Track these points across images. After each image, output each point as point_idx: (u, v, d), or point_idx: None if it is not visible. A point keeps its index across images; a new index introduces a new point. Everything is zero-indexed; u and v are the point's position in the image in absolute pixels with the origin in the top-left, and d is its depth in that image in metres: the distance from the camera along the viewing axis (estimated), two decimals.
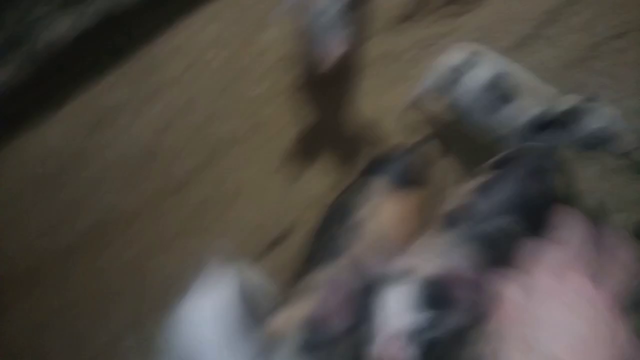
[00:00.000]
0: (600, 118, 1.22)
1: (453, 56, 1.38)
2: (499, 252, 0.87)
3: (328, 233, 1.14)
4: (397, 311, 0.83)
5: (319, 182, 1.60)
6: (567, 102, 1.25)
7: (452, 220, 1.03)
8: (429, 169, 1.27)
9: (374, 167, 1.24)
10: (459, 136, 1.59)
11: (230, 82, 1.72)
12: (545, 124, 1.27)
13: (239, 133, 1.67)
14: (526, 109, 1.28)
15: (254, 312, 1.01)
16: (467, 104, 1.35)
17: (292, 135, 1.65)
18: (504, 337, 0.65)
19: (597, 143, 1.23)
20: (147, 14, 1.84)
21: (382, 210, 1.09)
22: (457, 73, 1.35)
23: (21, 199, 1.64)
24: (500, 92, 1.30)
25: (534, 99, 1.29)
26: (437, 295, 0.84)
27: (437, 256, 0.93)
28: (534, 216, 0.96)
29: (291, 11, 1.28)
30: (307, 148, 1.64)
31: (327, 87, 1.71)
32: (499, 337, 0.65)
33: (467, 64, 1.34)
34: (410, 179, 1.16)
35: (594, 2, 1.79)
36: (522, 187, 1.04)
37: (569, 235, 0.67)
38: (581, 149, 1.28)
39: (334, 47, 1.25)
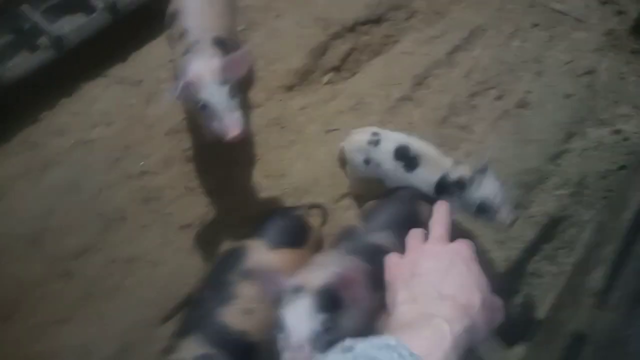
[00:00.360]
0: (484, 189, 1.33)
1: (358, 138, 1.54)
2: (377, 260, 0.96)
3: (218, 280, 1.21)
4: (296, 323, 0.94)
5: (214, 251, 1.61)
6: (458, 171, 1.38)
7: (340, 239, 1.26)
8: (307, 230, 1.34)
9: (254, 230, 1.30)
10: None
11: (117, 158, 1.72)
12: (442, 189, 1.40)
13: (129, 208, 1.65)
14: (427, 175, 1.42)
15: None
16: (382, 172, 1.50)
17: (184, 206, 1.67)
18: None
19: (477, 212, 1.36)
20: (29, 95, 1.82)
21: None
22: (365, 151, 1.51)
23: None
24: (405, 161, 1.45)
25: (433, 167, 1.43)
26: (328, 300, 0.96)
27: (325, 269, 1.05)
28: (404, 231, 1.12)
29: (181, 91, 1.31)
30: (201, 218, 1.66)
31: (217, 156, 1.77)
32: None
33: (372, 142, 1.50)
34: (285, 240, 1.22)
35: (454, 66, 2.06)
36: (396, 210, 1.33)
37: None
38: (471, 215, 1.40)
39: (230, 128, 1.29)
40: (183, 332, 1.14)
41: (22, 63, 1.85)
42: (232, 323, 1.12)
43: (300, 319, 0.94)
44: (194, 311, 1.21)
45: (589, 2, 2.23)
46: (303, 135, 1.87)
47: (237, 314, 1.12)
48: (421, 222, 1.14)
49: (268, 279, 1.03)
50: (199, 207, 1.66)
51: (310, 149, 1.83)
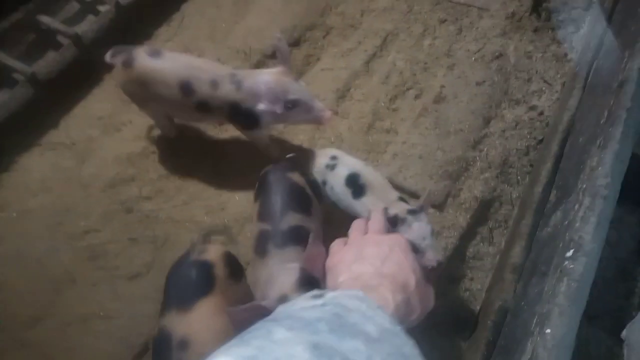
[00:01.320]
0: (413, 231, 1.36)
1: (319, 161, 1.63)
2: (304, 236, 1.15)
3: None
4: None
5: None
6: (395, 208, 1.42)
7: (259, 247, 1.36)
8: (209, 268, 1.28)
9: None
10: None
11: (59, 222, 1.76)
12: None
13: (76, 269, 1.69)
14: (370, 205, 1.49)
15: None
16: (334, 195, 1.59)
17: (130, 257, 1.71)
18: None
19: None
20: None
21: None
22: (323, 174, 1.61)
23: None
24: (354, 188, 1.53)
25: (377, 198, 1.50)
26: (308, 285, 1.09)
27: (281, 273, 1.21)
28: (299, 201, 1.42)
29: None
30: (148, 266, 1.70)
31: (162, 202, 1.83)
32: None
33: (329, 166, 1.59)
34: (193, 295, 1.18)
35: (373, 74, 2.16)
36: (281, 192, 1.42)
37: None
38: None
39: (325, 112, 1.59)
40: None
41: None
42: None
43: None
44: None
45: None
46: (238, 165, 1.92)
47: None
48: (298, 187, 1.46)
49: (245, 312, 1.07)
50: (144, 256, 1.70)
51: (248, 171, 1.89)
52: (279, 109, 1.59)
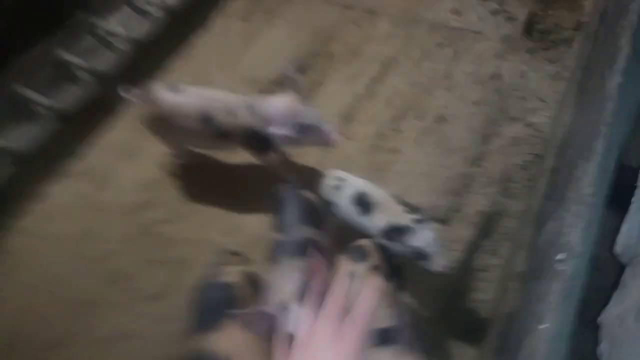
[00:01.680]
0: (420, 239, 1.47)
1: (326, 183, 1.71)
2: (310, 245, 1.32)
3: None
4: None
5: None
6: (402, 219, 1.52)
7: (272, 255, 1.47)
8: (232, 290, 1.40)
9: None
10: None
11: (80, 246, 1.84)
12: (386, 235, 1.54)
13: (98, 292, 1.75)
14: (378, 220, 1.57)
15: None
16: (342, 213, 1.66)
17: (150, 277, 1.78)
18: None
19: (416, 258, 1.50)
20: None
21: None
22: (332, 192, 1.68)
23: None
24: (362, 206, 1.60)
25: (384, 213, 1.58)
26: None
27: (285, 281, 1.30)
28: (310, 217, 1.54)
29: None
30: (167, 285, 1.77)
31: (178, 225, 1.91)
32: None
33: (335, 187, 1.67)
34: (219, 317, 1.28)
35: (375, 97, 2.26)
36: (293, 208, 1.56)
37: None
38: (407, 260, 1.53)
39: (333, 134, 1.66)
40: None
41: None
42: None
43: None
44: None
45: (482, 15, 2.49)
46: (252, 190, 2.01)
47: None
48: (311, 204, 1.59)
49: (255, 319, 1.16)
50: (163, 277, 1.78)
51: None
52: (291, 132, 1.68)
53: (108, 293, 1.75)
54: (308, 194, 1.59)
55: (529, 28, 2.39)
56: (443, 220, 1.86)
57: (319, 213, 1.59)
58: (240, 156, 2.08)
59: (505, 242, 1.83)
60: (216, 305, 1.30)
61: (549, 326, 0.83)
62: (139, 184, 2.00)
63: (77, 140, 2.14)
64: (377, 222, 1.57)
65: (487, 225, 1.87)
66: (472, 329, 1.65)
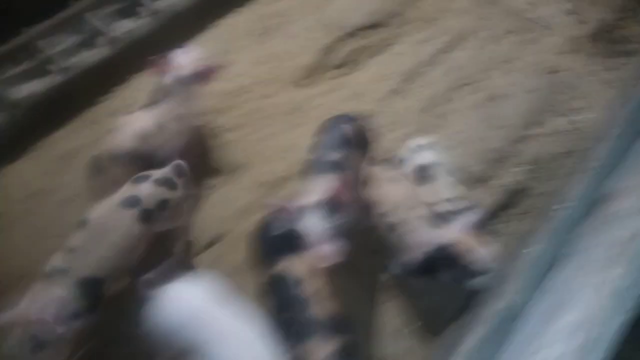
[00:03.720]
0: (457, 224, 1.60)
1: (414, 142, 1.97)
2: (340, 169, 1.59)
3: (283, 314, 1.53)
4: (314, 228, 1.48)
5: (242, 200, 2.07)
6: (445, 207, 1.74)
7: (307, 168, 1.74)
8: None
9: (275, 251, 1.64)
10: None
11: None
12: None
13: None
14: (426, 194, 1.80)
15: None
16: (409, 173, 1.90)
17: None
18: None
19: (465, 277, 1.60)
20: (90, 84, 2.29)
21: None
22: (412, 152, 1.93)
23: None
24: (426, 173, 1.85)
25: (433, 191, 1.81)
26: (331, 207, 1.51)
27: (312, 190, 1.58)
28: (349, 146, 1.77)
29: None
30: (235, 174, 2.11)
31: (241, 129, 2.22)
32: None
33: (415, 149, 1.93)
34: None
35: (437, 65, 2.47)
36: (332, 135, 1.80)
37: None
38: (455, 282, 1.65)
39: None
40: None
41: (85, 59, 2.33)
42: None
43: (313, 227, 1.47)
44: None
45: (555, 13, 2.61)
46: (309, 118, 2.28)
47: None
48: (348, 136, 1.79)
49: (281, 209, 1.48)
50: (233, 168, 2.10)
51: (314, 129, 2.25)
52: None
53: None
54: (348, 127, 1.82)
55: (597, 34, 2.52)
56: (469, 185, 2.08)
57: (350, 143, 1.80)
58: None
59: (522, 217, 2.05)
60: (281, 239, 1.58)
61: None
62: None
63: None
64: (425, 196, 1.79)
65: (508, 199, 2.09)
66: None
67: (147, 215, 1.65)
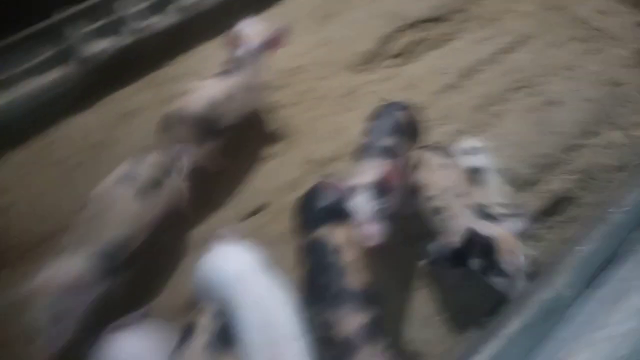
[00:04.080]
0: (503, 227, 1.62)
1: (468, 142, 2.01)
2: (393, 154, 1.64)
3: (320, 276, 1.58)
4: (363, 209, 1.53)
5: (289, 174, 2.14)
6: (494, 210, 1.73)
7: (360, 152, 1.80)
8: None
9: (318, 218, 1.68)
10: None
11: None
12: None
13: None
14: (484, 196, 1.82)
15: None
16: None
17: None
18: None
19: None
20: (158, 49, 2.40)
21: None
22: (465, 152, 1.96)
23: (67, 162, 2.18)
24: (478, 175, 1.88)
25: (482, 196, 1.81)
26: (377, 190, 1.55)
27: (363, 172, 1.62)
28: (401, 133, 1.81)
29: None
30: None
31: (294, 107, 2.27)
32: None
33: (468, 151, 1.96)
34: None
35: (496, 64, 2.46)
36: (385, 121, 1.85)
37: None
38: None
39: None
40: None
41: (154, 24, 2.44)
42: None
43: (361, 207, 1.51)
44: None
45: (624, 24, 2.55)
46: (362, 103, 2.32)
47: None
48: (400, 124, 1.83)
49: (331, 187, 1.53)
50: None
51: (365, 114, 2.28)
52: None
53: None
54: (402, 114, 1.86)
55: None
56: (517, 187, 2.08)
57: (403, 131, 1.84)
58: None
59: (566, 224, 2.03)
60: (326, 208, 1.65)
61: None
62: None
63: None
64: (483, 197, 1.79)
65: (554, 206, 2.07)
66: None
67: (144, 192, 1.73)
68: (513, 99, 2.33)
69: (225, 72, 2.01)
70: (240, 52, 1.99)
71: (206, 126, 1.91)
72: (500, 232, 1.59)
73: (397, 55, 2.53)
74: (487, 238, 1.56)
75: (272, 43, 2.03)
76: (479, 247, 1.58)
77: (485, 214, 1.71)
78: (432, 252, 1.79)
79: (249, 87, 2.03)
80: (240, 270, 1.56)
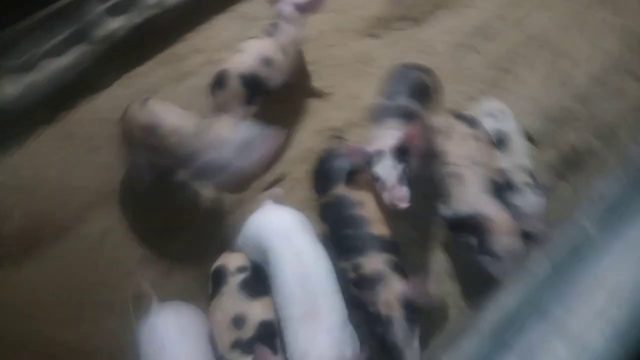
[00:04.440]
0: (525, 200, 1.70)
1: (491, 105, 2.01)
2: (411, 115, 1.65)
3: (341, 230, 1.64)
4: (386, 174, 1.55)
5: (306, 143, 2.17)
6: (518, 177, 1.77)
7: (375, 113, 1.81)
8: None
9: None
10: None
11: None
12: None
13: None
14: (508, 159, 1.84)
15: None
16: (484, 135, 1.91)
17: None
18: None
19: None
20: (177, 20, 2.41)
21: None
22: (487, 115, 1.95)
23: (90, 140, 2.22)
24: (502, 138, 1.88)
25: (507, 159, 1.84)
26: (401, 154, 1.58)
27: (385, 135, 1.65)
28: (418, 94, 1.81)
29: None
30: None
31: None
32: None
33: (492, 114, 1.95)
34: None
35: (511, 22, 2.42)
36: (403, 81, 1.85)
37: None
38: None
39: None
40: None
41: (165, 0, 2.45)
42: None
43: (388, 171, 1.53)
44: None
45: None
46: (375, 68, 2.31)
47: None
48: (416, 84, 1.83)
49: (356, 151, 1.57)
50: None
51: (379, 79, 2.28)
52: None
53: None
54: (421, 75, 1.87)
55: None
56: (533, 141, 2.07)
57: (423, 94, 1.85)
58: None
59: (587, 177, 2.01)
60: (347, 170, 1.70)
61: None
62: None
63: None
64: (499, 161, 1.81)
65: (576, 160, 2.06)
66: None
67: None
68: (528, 57, 2.31)
69: (272, 30, 2.02)
70: (285, 8, 2.02)
71: (257, 84, 1.91)
72: (499, 212, 1.60)
73: (406, 18, 2.50)
74: (475, 217, 1.59)
75: (313, 3, 2.05)
76: (469, 224, 1.61)
77: (507, 183, 1.74)
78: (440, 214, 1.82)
79: (295, 42, 2.04)
80: (285, 225, 1.64)
